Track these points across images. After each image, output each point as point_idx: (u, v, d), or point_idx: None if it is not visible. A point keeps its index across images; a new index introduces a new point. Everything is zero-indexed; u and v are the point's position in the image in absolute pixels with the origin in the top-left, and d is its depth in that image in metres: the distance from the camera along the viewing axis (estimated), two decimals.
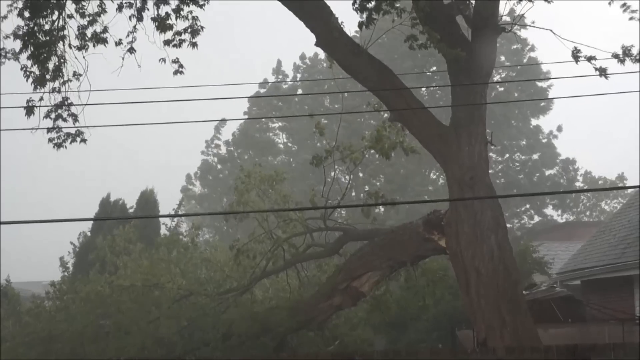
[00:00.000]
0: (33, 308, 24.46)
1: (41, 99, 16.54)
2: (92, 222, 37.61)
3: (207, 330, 20.53)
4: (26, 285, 42.10)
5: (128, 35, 16.28)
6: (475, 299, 16.03)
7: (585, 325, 22.51)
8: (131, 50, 16.20)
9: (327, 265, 23.57)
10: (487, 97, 17.31)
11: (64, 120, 16.79)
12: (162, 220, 37.95)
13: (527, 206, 55.91)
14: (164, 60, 16.19)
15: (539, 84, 53.51)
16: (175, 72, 16.34)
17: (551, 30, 17.14)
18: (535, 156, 55.24)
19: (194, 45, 16.31)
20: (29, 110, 16.34)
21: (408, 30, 16.45)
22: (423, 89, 47.35)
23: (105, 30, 16.36)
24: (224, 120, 57.66)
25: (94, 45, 16.36)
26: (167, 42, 16.26)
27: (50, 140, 16.76)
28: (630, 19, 17.36)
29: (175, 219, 33.68)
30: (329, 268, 23.06)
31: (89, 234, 37.52)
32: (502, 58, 51.66)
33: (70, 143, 16.82)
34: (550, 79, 49.98)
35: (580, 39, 16.48)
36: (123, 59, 16.13)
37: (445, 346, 22.88)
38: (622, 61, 16.45)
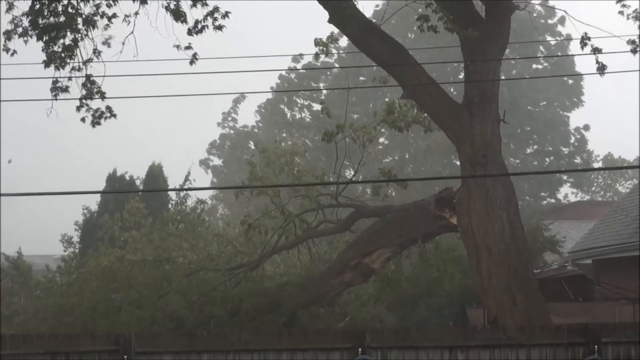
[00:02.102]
0: (45, 282, 24.56)
1: (70, 78, 16.52)
2: (100, 197, 37.42)
3: (217, 305, 20.58)
4: (39, 259, 42.23)
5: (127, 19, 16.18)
6: (486, 277, 16.02)
7: (596, 304, 22.45)
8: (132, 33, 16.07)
9: (338, 241, 23.57)
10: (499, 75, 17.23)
11: (91, 98, 16.76)
12: (171, 194, 37.81)
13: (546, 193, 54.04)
14: (177, 47, 16.03)
15: (570, 80, 52.17)
16: (191, 62, 16.02)
17: (565, 12, 17.10)
18: (549, 135, 53.77)
19: (218, 28, 15.81)
20: (58, 90, 16.43)
21: (422, 8, 16.39)
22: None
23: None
24: (242, 93, 57.22)
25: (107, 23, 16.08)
26: (189, 32, 15.85)
27: (82, 120, 16.75)
28: (621, 13, 17.32)
29: (182, 193, 33.35)
30: (340, 245, 23.07)
31: (93, 208, 37.32)
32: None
33: (105, 119, 16.82)
34: (573, 55, 48.78)
35: (597, 24, 16.55)
36: (123, 44, 16.12)
37: (455, 324, 22.86)
38: (635, 51, 16.53)
